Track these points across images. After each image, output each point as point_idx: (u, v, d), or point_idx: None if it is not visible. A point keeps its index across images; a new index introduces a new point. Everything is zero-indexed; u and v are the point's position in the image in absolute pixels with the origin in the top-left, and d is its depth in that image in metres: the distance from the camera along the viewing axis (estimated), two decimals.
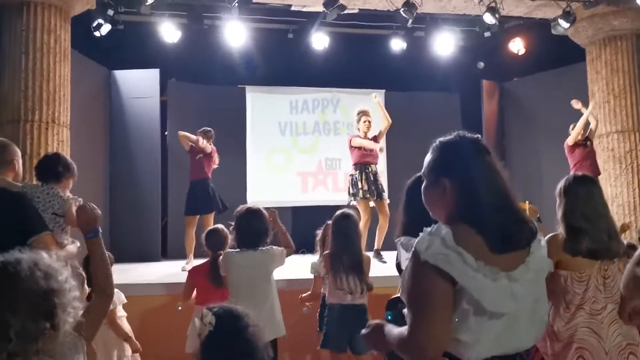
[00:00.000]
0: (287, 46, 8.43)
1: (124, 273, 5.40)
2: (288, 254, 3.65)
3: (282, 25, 8.31)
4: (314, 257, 4.22)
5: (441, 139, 1.59)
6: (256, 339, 1.71)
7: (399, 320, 1.64)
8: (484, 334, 1.41)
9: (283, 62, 8.79)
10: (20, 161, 3.18)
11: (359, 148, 6.40)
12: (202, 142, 6.54)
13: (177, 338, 3.92)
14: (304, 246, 8.61)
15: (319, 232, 4.32)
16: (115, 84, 8.37)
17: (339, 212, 3.76)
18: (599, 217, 2.49)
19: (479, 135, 1.60)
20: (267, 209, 3.86)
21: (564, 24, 7.15)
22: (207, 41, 7.89)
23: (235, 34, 7.56)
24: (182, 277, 4.42)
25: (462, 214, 1.48)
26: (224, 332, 1.69)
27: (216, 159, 6.77)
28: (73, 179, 3.87)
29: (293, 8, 7.36)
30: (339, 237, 3.58)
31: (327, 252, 3.71)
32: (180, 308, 4.16)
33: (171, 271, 6.14)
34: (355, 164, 6.39)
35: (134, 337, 3.97)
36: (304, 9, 7.44)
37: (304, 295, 4.06)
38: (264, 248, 3.48)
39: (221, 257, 3.52)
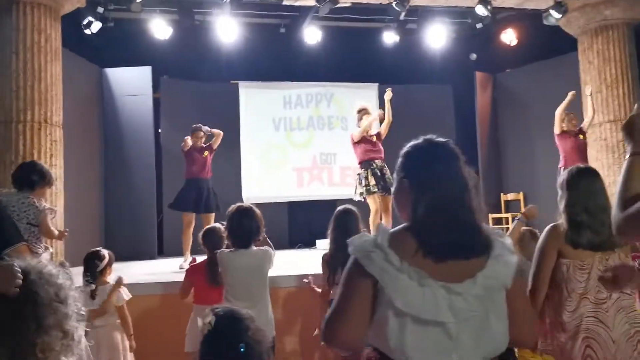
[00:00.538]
0: (279, 41, 8.41)
1: (120, 272, 5.38)
2: None
3: (274, 20, 8.29)
4: (311, 252, 4.20)
5: (411, 142, 1.61)
6: (256, 343, 1.71)
7: None
8: (409, 340, 1.37)
9: (276, 57, 8.77)
10: None
11: (363, 143, 6.35)
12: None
13: (176, 337, 3.92)
14: (300, 241, 8.67)
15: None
16: (107, 82, 8.33)
17: (340, 207, 3.74)
18: (601, 210, 2.48)
19: (448, 140, 1.59)
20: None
21: (556, 15, 7.17)
22: (199, 37, 7.87)
23: (227, 29, 7.54)
24: (180, 276, 4.42)
25: (410, 216, 1.50)
26: (223, 333, 1.70)
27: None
28: (49, 187, 3.87)
29: (285, 2, 7.33)
30: (341, 232, 3.56)
31: (326, 252, 3.67)
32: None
33: (168, 269, 6.13)
34: (360, 162, 6.38)
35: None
36: (296, 3, 7.41)
37: (315, 287, 3.96)
38: (261, 248, 3.48)
39: (217, 255, 3.52)
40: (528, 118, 9.22)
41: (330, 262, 3.58)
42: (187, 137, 6.58)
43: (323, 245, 4.37)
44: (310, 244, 8.30)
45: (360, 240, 1.48)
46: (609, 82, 7.25)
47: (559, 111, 6.82)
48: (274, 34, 8.33)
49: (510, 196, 9.35)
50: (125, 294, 3.85)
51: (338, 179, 9.33)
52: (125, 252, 7.59)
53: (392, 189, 1.64)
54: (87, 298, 3.62)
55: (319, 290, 3.86)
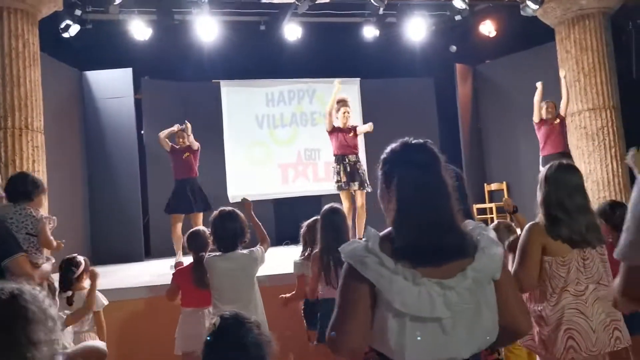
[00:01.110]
0: (259, 38, 8.39)
1: (107, 276, 5.38)
2: (266, 249, 3.67)
3: (254, 18, 8.26)
4: (298, 249, 4.22)
5: (389, 146, 1.63)
6: (258, 349, 1.73)
7: None
8: (409, 339, 1.40)
9: (256, 54, 8.76)
10: None
11: (338, 134, 6.32)
12: (190, 139, 6.51)
13: (165, 340, 3.94)
14: (287, 238, 8.67)
15: (304, 225, 4.25)
16: (87, 85, 8.26)
17: (327, 206, 3.74)
18: (578, 209, 2.54)
19: (427, 141, 1.60)
20: (243, 200, 3.90)
21: (533, 6, 7.24)
22: (179, 37, 7.83)
23: (207, 28, 7.52)
24: (167, 279, 4.43)
25: (391, 221, 1.54)
26: (225, 337, 1.73)
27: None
28: (44, 194, 3.85)
29: (264, 0, 7.33)
30: (329, 231, 3.56)
31: (316, 251, 3.67)
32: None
33: (155, 271, 6.13)
34: (335, 155, 6.41)
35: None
36: (275, 1, 7.40)
37: (287, 295, 4.00)
38: (246, 251, 3.50)
39: (204, 261, 3.54)
40: (509, 108, 9.31)
41: (321, 260, 3.59)
42: (160, 132, 6.61)
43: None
44: (297, 240, 8.28)
45: (351, 247, 1.51)
46: (586, 71, 7.35)
47: (535, 100, 6.92)
48: (254, 32, 8.31)
49: (494, 186, 9.45)
50: (102, 299, 3.86)
51: (323, 174, 9.35)
52: (112, 255, 7.60)
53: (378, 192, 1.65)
54: (64, 304, 3.63)
55: (289, 295, 3.93)
